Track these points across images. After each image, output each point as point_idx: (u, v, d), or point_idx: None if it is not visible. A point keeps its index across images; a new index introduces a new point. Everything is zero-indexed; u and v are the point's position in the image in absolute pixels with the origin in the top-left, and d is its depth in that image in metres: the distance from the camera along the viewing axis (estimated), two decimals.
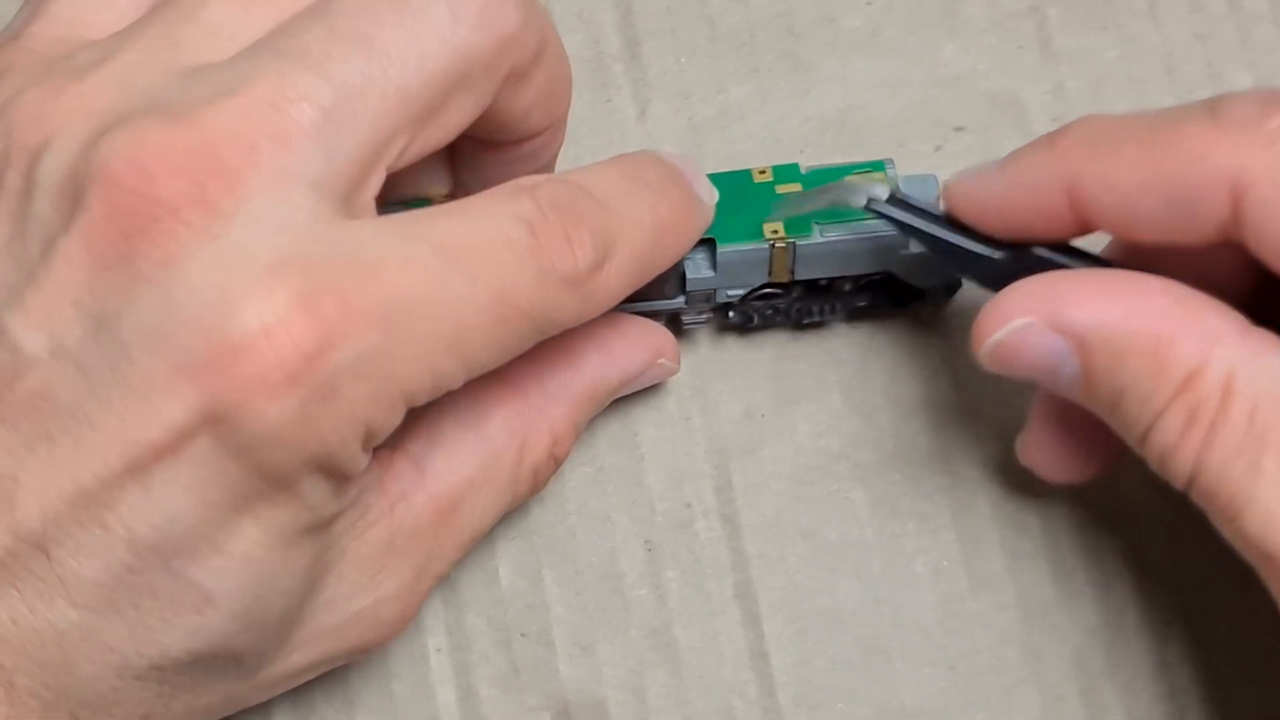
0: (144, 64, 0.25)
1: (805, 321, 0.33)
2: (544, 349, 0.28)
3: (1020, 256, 0.28)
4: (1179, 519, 0.32)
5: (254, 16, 0.25)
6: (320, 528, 0.25)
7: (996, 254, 0.28)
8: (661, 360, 0.32)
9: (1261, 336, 0.25)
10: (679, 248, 0.29)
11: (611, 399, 0.32)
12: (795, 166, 0.32)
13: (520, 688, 0.32)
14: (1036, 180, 0.27)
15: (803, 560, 0.33)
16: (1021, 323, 0.26)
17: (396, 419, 0.24)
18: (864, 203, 0.30)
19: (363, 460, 0.25)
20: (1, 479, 0.23)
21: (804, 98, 0.35)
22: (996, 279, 0.28)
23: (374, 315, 0.23)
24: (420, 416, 0.29)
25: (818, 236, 0.31)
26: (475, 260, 0.24)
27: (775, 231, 0.31)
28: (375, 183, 0.25)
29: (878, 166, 0.31)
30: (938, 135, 0.34)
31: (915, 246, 0.31)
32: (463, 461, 0.29)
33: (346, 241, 0.24)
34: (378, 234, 0.24)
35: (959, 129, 0.34)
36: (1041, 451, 0.30)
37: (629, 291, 0.28)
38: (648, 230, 0.27)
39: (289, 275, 0.23)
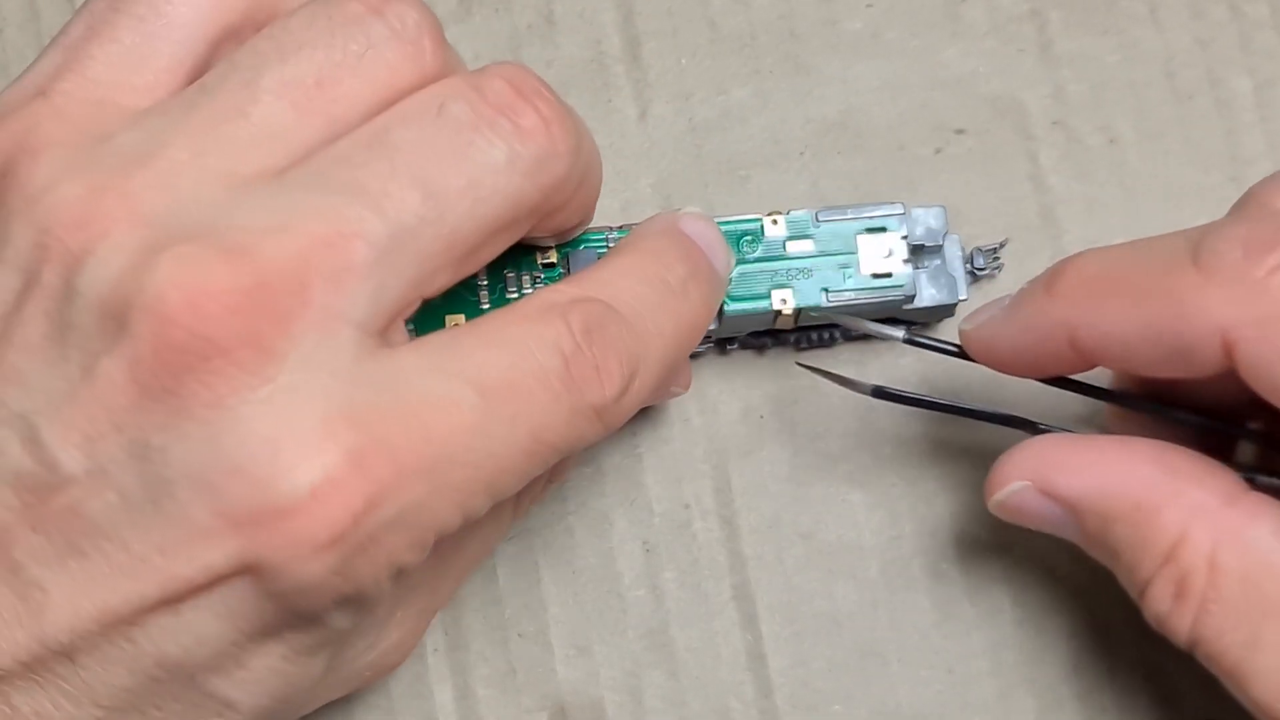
0: (191, 166, 0.24)
1: (804, 347, 0.33)
2: None
3: (1019, 422, 0.29)
4: None
5: (306, 120, 0.25)
6: (341, 639, 0.25)
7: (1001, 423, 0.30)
8: (673, 388, 0.31)
9: (1250, 503, 0.26)
10: (696, 342, 0.29)
11: None
12: (808, 219, 0.31)
13: (517, 688, 0.32)
14: (1039, 327, 0.27)
15: (800, 562, 0.33)
16: (1018, 486, 0.28)
17: (426, 555, 0.24)
18: (871, 391, 0.30)
19: (388, 589, 0.24)
20: (30, 587, 0.23)
21: (805, 99, 0.35)
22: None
23: (421, 471, 0.23)
24: None
25: (824, 303, 0.31)
26: (514, 401, 0.24)
27: (784, 301, 0.31)
28: (410, 311, 0.25)
29: (887, 226, 0.31)
30: (938, 138, 0.34)
31: (920, 301, 0.31)
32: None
33: (391, 384, 0.23)
34: (419, 371, 0.24)
35: (960, 131, 0.34)
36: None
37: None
38: (670, 341, 0.27)
39: (339, 430, 0.22)
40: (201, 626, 0.23)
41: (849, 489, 0.33)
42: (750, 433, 0.33)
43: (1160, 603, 0.26)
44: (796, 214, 0.31)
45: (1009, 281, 0.33)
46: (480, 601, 0.32)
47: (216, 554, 0.22)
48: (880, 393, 0.29)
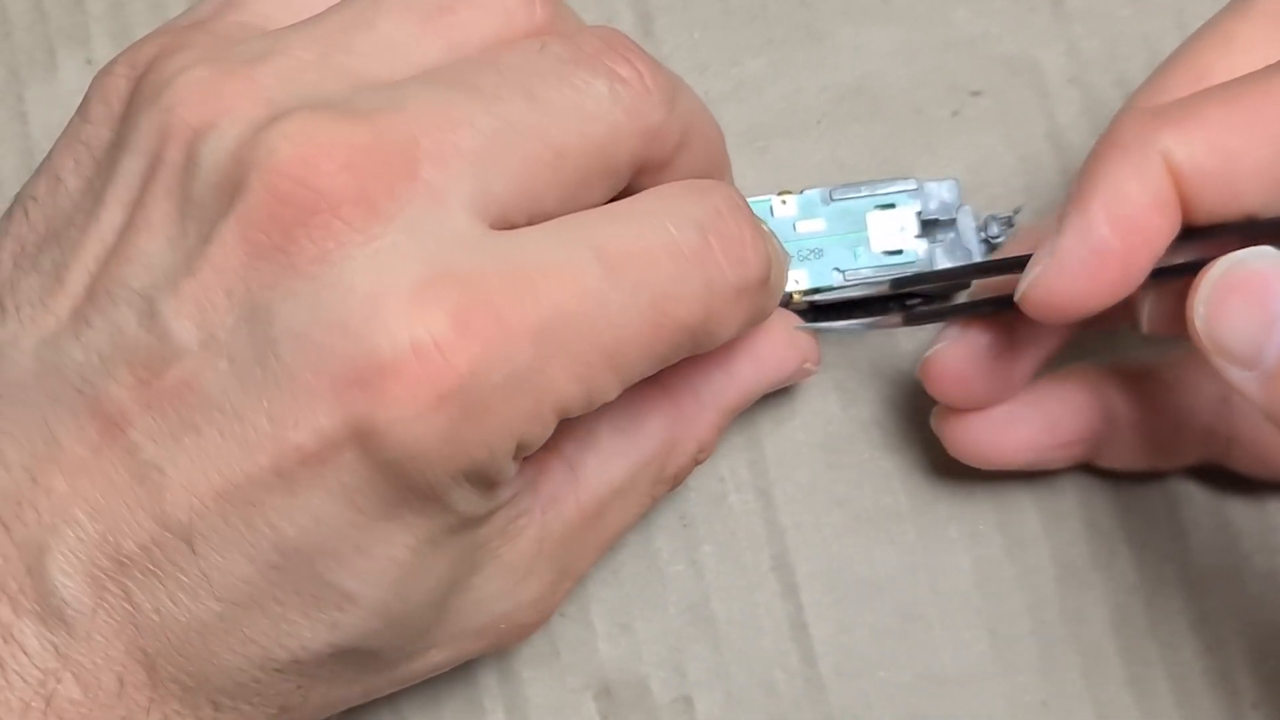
0: (315, 62, 0.25)
1: (819, 327, 0.33)
2: (701, 355, 0.28)
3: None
4: (1213, 475, 0.32)
5: (427, 40, 0.25)
6: (467, 529, 0.25)
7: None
8: (806, 364, 0.31)
9: None
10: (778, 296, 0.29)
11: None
12: (817, 198, 0.31)
13: (561, 668, 0.32)
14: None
15: (838, 529, 0.33)
16: None
17: (548, 431, 0.24)
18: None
19: (512, 469, 0.24)
20: (148, 468, 0.23)
21: (819, 68, 0.35)
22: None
23: (528, 331, 0.23)
24: (576, 418, 0.28)
25: (839, 280, 0.31)
26: (637, 269, 0.24)
27: (797, 282, 0.31)
28: (519, 223, 0.25)
29: (898, 202, 0.31)
30: (954, 100, 0.34)
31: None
32: (614, 466, 0.28)
33: (501, 250, 0.24)
34: (535, 240, 0.24)
35: (975, 93, 0.34)
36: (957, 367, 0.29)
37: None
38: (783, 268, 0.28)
39: (442, 288, 0.23)
40: (318, 504, 0.23)
41: (882, 454, 0.33)
42: (782, 402, 0.33)
43: None
44: (809, 193, 0.31)
45: None
46: None
47: (323, 416, 0.22)
48: (910, 318, 0.30)
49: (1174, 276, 0.26)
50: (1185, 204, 0.25)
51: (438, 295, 0.22)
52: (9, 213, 0.26)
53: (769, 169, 0.34)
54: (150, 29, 0.34)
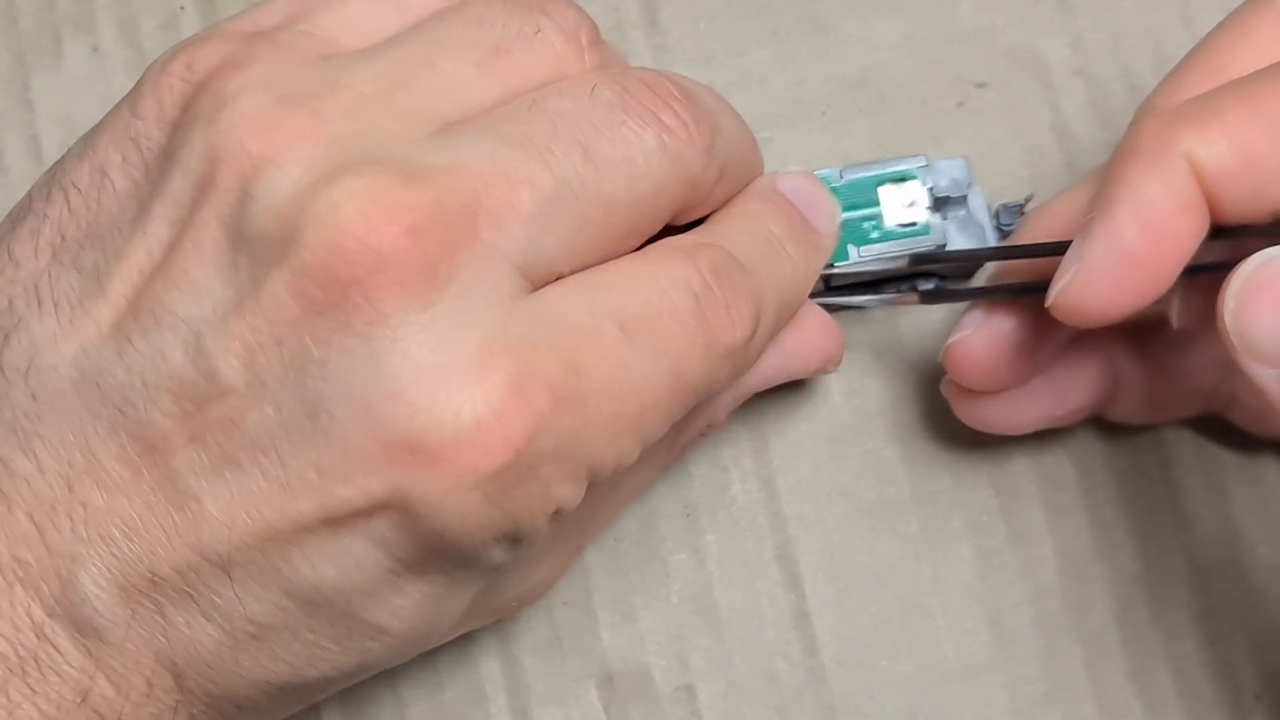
0: (378, 101, 0.25)
1: (833, 311, 0.33)
2: None
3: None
4: (1217, 468, 0.32)
5: (484, 81, 0.26)
6: (498, 571, 0.26)
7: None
8: (829, 364, 0.31)
9: None
10: (801, 299, 0.29)
11: None
12: (832, 176, 0.31)
13: (563, 656, 0.32)
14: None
15: (841, 520, 0.33)
16: None
17: (581, 494, 0.25)
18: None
19: (545, 529, 0.25)
20: (186, 497, 0.23)
21: (824, 58, 0.35)
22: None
23: (573, 400, 0.23)
24: None
25: (855, 257, 0.31)
26: (653, 337, 0.25)
27: None
28: (557, 277, 0.25)
29: (908, 175, 0.31)
30: (959, 91, 0.34)
31: (952, 246, 0.31)
32: None
33: (541, 316, 0.24)
34: (566, 304, 0.24)
35: (980, 85, 0.34)
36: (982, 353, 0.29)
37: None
38: (783, 292, 0.28)
39: (497, 359, 0.23)
40: (358, 551, 0.23)
41: (886, 445, 0.33)
42: (786, 393, 0.33)
43: None
44: (822, 172, 0.31)
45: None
46: None
47: (373, 480, 0.23)
48: (927, 297, 0.30)
49: (1205, 273, 0.26)
50: (1212, 205, 0.25)
51: (495, 366, 0.23)
52: (47, 195, 0.26)
53: (774, 159, 0.34)
54: (154, 17, 0.35)
